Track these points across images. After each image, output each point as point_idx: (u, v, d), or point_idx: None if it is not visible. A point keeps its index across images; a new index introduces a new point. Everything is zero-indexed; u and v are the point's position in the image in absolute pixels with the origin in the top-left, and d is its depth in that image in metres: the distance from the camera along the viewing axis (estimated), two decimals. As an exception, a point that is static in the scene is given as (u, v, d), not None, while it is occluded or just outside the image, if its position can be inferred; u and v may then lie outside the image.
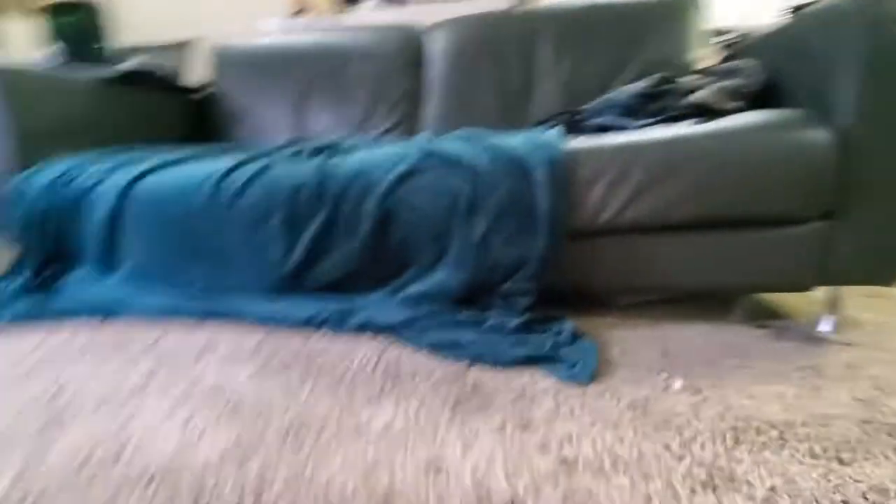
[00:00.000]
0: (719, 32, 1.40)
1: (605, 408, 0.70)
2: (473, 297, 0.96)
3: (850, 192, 0.81)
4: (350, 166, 0.97)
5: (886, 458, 0.58)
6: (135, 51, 2.44)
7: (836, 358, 0.84)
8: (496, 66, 1.49)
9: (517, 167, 0.87)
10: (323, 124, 1.59)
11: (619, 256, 0.95)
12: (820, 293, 0.96)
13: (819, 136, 0.80)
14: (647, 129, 0.92)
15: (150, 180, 1.12)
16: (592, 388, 0.75)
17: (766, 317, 1.02)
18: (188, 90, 1.73)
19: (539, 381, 0.78)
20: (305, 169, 1.01)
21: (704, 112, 0.92)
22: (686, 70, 1.30)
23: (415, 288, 0.98)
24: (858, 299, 1.14)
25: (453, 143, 0.96)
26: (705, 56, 1.33)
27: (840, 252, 0.85)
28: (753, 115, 0.86)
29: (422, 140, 1.03)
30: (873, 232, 0.83)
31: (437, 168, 0.91)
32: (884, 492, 0.53)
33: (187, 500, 0.53)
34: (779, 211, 0.84)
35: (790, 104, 0.90)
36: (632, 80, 1.30)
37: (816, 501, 0.51)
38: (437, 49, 1.58)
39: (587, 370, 0.78)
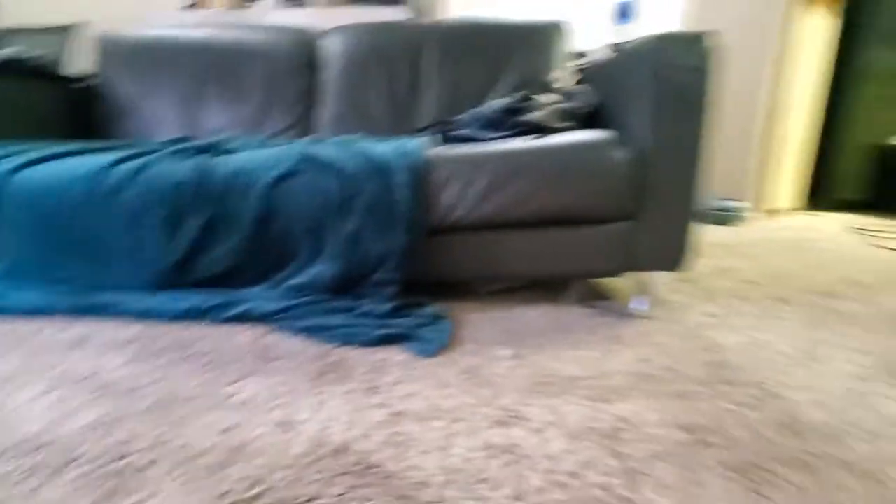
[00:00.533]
0: (580, 55, 1.62)
1: (442, 373, 0.85)
2: (348, 286, 1.08)
3: (643, 200, 1.03)
4: (231, 166, 1.04)
5: (638, 399, 0.78)
6: (13, 33, 2.27)
7: (636, 329, 1.07)
8: (386, 73, 1.61)
9: (381, 171, 1.00)
10: (216, 122, 1.62)
11: (474, 250, 1.11)
12: (636, 278, 1.19)
13: (620, 154, 1.01)
14: (496, 141, 1.09)
15: (26, 174, 1.11)
16: (438, 360, 0.90)
17: (595, 298, 1.24)
18: (68, 80, 1.67)
19: (395, 356, 0.92)
20: (186, 167, 1.06)
21: (542, 129, 1.10)
22: (549, 88, 1.50)
23: (295, 280, 1.08)
24: (675, 284, 1.40)
25: (328, 148, 1.06)
26: (565, 77, 1.54)
27: (638, 246, 1.07)
28: (577, 134, 1.06)
29: (300, 144, 1.12)
30: (661, 231, 1.05)
31: (311, 171, 1.02)
32: (624, 420, 0.72)
33: (56, 465, 0.60)
34: (592, 213, 1.04)
35: (612, 126, 1.10)
36: (503, 95, 1.48)
37: (574, 428, 0.69)
38: (331, 53, 1.66)
39: (436, 345, 0.93)
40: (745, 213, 2.43)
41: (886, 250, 1.84)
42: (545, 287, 1.31)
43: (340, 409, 0.73)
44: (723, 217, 2.39)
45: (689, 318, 1.13)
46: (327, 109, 1.63)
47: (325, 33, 1.69)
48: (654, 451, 0.64)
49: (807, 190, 2.82)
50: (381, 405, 0.75)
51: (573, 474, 0.60)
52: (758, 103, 2.33)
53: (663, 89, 0.95)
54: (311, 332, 0.97)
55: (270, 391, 0.78)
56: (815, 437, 0.67)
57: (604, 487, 0.58)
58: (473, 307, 1.19)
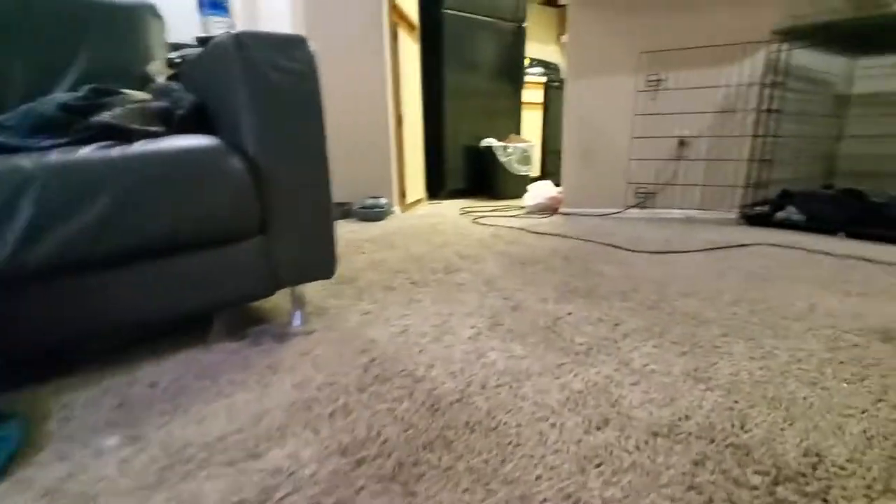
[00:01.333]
0: (177, 47, 1.39)
1: (-6, 517, 0.54)
2: None
3: (269, 211, 0.94)
4: None
5: (295, 436, 0.69)
6: None
7: (295, 349, 0.98)
8: None
9: None
10: None
11: (56, 303, 0.77)
12: (290, 293, 1.10)
13: (236, 163, 0.88)
14: (53, 151, 0.77)
15: None
16: (-10, 494, 0.58)
17: (248, 326, 1.10)
18: None
19: None
20: None
21: (123, 133, 0.86)
22: (143, 82, 1.22)
23: None
24: (334, 287, 1.39)
25: None
26: (161, 70, 1.29)
27: (280, 259, 0.98)
28: (175, 140, 0.86)
29: None
30: (299, 240, 0.99)
31: None
32: (278, 472, 0.61)
33: None
34: (213, 232, 0.88)
35: (218, 131, 0.95)
36: (71, 89, 1.12)
37: (213, 514, 0.54)
38: None
39: (-16, 472, 0.59)
40: (390, 209, 2.75)
41: (481, 225, 2.41)
42: (185, 328, 1.08)
43: None
44: (373, 214, 2.62)
45: (347, 321, 1.13)
46: None
47: None
48: (310, 496, 0.56)
49: (429, 184, 3.43)
50: None
51: (210, 585, 0.45)
52: (387, 113, 2.63)
53: (261, 92, 0.87)
54: None
55: None
56: (449, 409, 0.74)
57: (252, 581, 0.46)
58: (78, 381, 0.85)
